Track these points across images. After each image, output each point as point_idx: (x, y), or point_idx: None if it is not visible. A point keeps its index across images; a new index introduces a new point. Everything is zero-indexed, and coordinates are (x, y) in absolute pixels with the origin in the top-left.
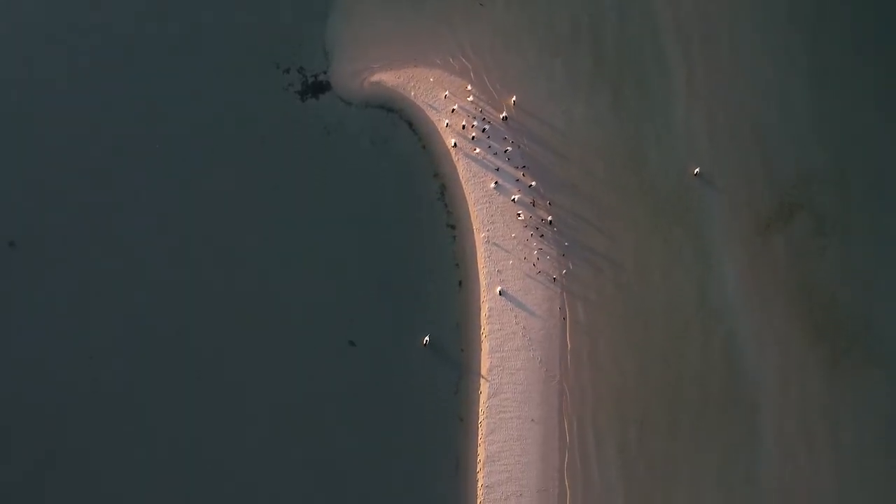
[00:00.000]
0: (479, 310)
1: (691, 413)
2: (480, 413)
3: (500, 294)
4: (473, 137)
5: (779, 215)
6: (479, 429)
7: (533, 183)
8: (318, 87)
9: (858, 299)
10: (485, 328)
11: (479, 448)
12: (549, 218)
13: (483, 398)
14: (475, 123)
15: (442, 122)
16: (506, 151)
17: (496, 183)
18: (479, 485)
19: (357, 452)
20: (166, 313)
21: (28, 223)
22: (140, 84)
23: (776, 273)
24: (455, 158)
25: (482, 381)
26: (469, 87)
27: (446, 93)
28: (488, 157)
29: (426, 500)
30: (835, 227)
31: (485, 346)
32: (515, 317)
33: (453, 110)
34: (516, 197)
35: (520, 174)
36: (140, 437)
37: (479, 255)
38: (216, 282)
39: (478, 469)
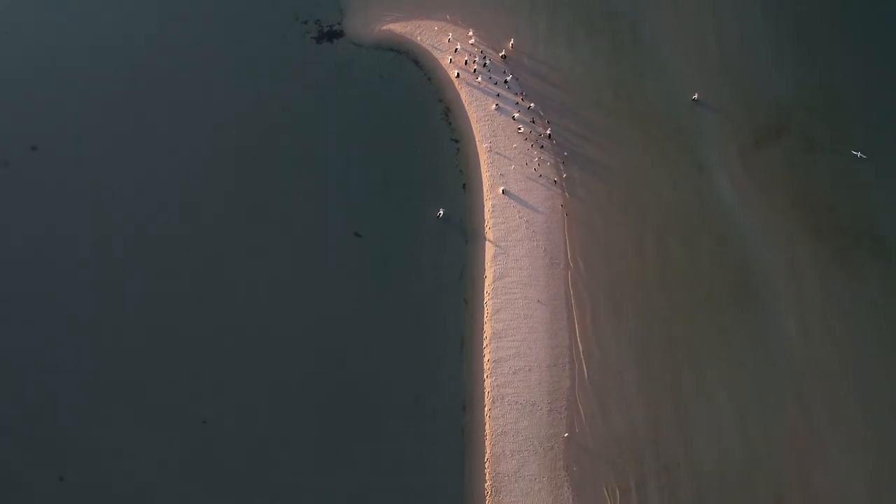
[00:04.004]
0: (483, 207)
1: (702, 297)
2: (486, 295)
3: (503, 193)
4: (475, 70)
5: (768, 135)
6: (485, 309)
7: (532, 105)
8: (332, 35)
9: (857, 205)
10: (489, 222)
11: (485, 326)
12: (549, 132)
13: (488, 282)
14: (476, 59)
15: (445, 59)
16: (505, 82)
17: (497, 105)
18: (486, 359)
19: (362, 335)
20: (179, 213)
21: (49, 129)
22: (172, 25)
23: (772, 181)
24: (458, 86)
25: (487, 267)
26: (470, 33)
27: (449, 36)
28: (489, 85)
29: (431, 374)
30: (823, 145)
31: (489, 237)
32: (518, 212)
33: (456, 50)
34: (516, 115)
35: (519, 99)
36: (146, 320)
37: (482, 162)
38: (231, 183)
39: (484, 345)
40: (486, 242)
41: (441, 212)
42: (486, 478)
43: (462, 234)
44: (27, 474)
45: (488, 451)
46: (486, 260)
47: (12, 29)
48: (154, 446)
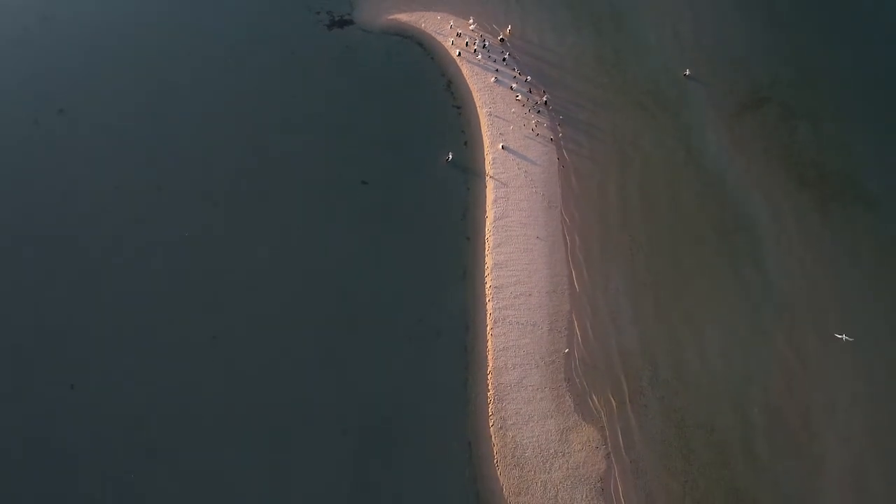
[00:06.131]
0: (484, 160)
1: (689, 234)
2: (487, 232)
3: (502, 148)
4: (475, 51)
5: (750, 105)
6: (486, 244)
7: (529, 78)
8: (342, 22)
9: (839, 161)
10: (489, 172)
11: (486, 258)
12: (545, 99)
13: (489, 221)
14: (476, 42)
15: (447, 42)
16: (503, 60)
17: (496, 78)
18: (488, 286)
19: (369, 268)
20: (203, 165)
21: (74, 94)
22: (196, 9)
23: (756, 142)
24: (459, 63)
25: (488, 209)
26: (471, 21)
27: (451, 24)
28: (488, 62)
29: (434, 299)
30: (802, 114)
31: (489, 185)
32: (517, 164)
33: (458, 35)
34: (514, 86)
35: (516, 73)
36: (163, 252)
37: (482, 123)
38: (251, 142)
39: (486, 274)
40: (487, 189)
41: (450, 155)
42: (489, 387)
43: (464, 182)
44: (39, 382)
45: (490, 365)
46: (487, 203)
47: (46, 7)
48: (164, 360)
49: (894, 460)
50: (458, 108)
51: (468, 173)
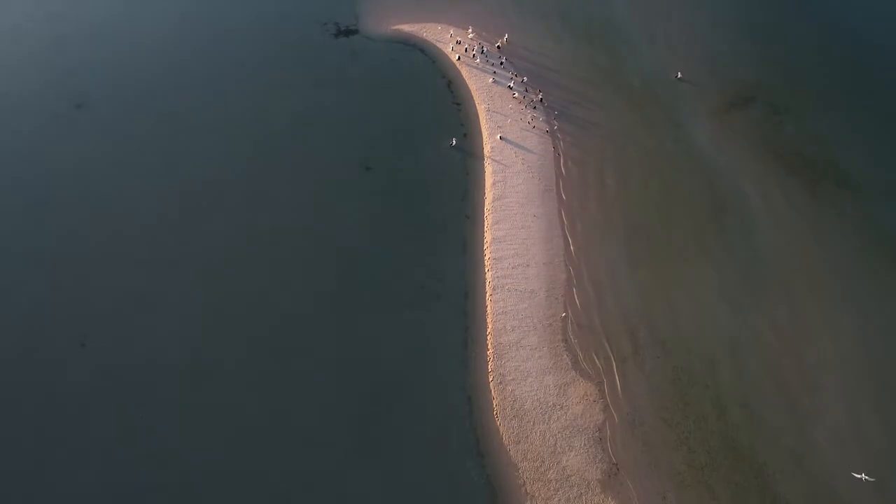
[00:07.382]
0: (483, 148)
1: (681, 213)
2: (486, 211)
3: (500, 139)
4: (473, 55)
5: (737, 103)
6: (486, 221)
7: (525, 79)
8: (348, 32)
9: (823, 151)
10: (488, 159)
11: (485, 233)
12: (541, 97)
13: (488, 201)
14: (475, 48)
15: (448, 48)
16: (501, 63)
17: (493, 79)
18: (487, 258)
19: (372, 242)
20: (216, 162)
21: (91, 90)
22: (213, 20)
23: (743, 135)
24: (459, 67)
25: (487, 191)
26: (469, 30)
27: (451, 32)
28: (486, 66)
29: (434, 270)
30: (787, 111)
31: (488, 169)
32: (515, 153)
33: (458, 42)
34: (511, 85)
35: (512, 75)
36: (176, 229)
37: (481, 118)
38: (264, 134)
39: (485, 247)
40: (486, 174)
41: (454, 141)
42: (489, 347)
43: (463, 168)
44: (50, 340)
45: (490, 327)
46: (486, 186)
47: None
48: (170, 324)
49: (890, 414)
50: (458, 104)
51: (468, 160)
